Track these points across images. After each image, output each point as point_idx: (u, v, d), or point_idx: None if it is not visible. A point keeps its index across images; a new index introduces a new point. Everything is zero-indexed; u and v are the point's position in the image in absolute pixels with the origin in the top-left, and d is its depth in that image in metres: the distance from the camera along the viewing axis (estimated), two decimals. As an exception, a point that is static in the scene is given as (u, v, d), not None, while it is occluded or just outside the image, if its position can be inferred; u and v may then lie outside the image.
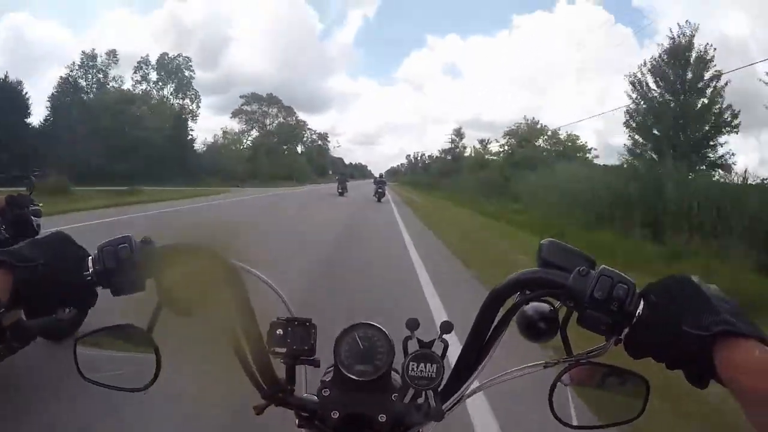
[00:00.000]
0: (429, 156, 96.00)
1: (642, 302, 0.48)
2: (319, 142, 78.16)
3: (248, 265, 0.58)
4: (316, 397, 0.58)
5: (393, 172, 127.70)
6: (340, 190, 23.23)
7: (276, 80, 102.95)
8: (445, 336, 0.56)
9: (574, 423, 0.54)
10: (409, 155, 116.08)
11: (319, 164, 78.12)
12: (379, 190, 20.79)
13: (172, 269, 0.55)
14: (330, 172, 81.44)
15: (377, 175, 24.63)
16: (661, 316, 0.46)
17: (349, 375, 0.57)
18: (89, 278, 0.53)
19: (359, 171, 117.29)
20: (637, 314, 0.48)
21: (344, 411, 0.56)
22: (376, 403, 0.57)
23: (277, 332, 0.58)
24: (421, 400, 0.56)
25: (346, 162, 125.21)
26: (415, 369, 0.56)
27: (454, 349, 0.57)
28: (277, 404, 0.58)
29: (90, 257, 0.54)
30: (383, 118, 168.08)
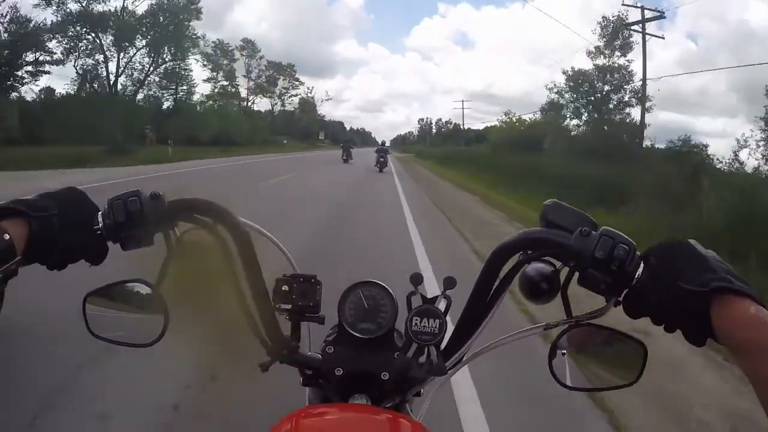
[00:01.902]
0: (446, 122, 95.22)
1: (642, 263, 0.52)
2: (307, 95, 70.49)
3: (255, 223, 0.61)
4: (320, 355, 0.64)
5: (400, 140, 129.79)
6: (344, 158, 24.74)
7: (283, 43, 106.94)
8: (447, 292, 0.61)
9: (572, 385, 0.58)
10: (421, 119, 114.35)
11: (301, 125, 69.89)
12: (381, 159, 21.00)
13: (181, 225, 0.59)
14: (321, 137, 77.20)
15: (380, 143, 26.32)
16: (660, 275, 0.51)
17: (352, 333, 0.63)
18: (99, 232, 0.57)
19: (364, 138, 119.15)
20: (636, 275, 0.52)
21: (347, 368, 0.61)
22: (379, 360, 0.62)
23: (283, 288, 0.63)
24: (423, 358, 0.62)
25: (353, 128, 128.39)
26: (418, 324, 0.60)
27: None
28: (281, 361, 0.63)
29: (100, 212, 0.58)
30: (391, 86, 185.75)
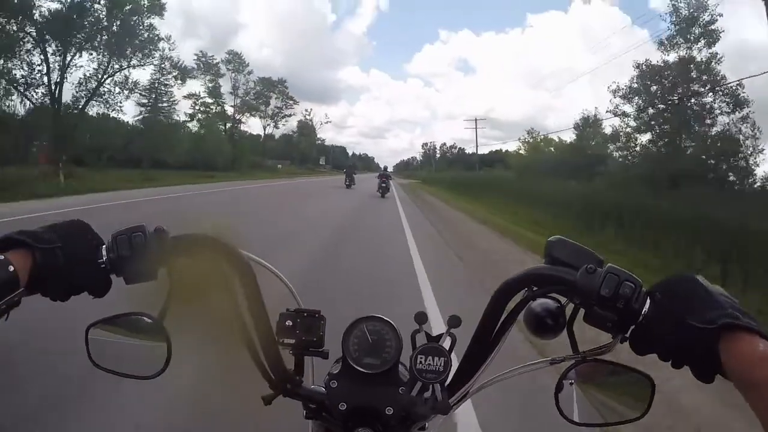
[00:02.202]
0: (450, 146, 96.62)
1: (648, 300, 0.54)
2: (305, 117, 70.75)
3: (259, 257, 0.64)
4: (323, 389, 0.66)
5: (403, 166, 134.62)
6: (347, 183, 25.74)
7: (286, 69, 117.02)
8: (453, 330, 0.64)
9: (579, 420, 0.60)
10: (425, 143, 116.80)
11: (300, 149, 70.52)
12: (383, 185, 21.81)
13: (184, 259, 0.62)
14: (322, 162, 78.89)
15: (382, 168, 27.92)
16: (667, 312, 0.53)
17: (357, 367, 0.65)
18: (103, 266, 0.60)
19: (366, 163, 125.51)
20: (643, 312, 0.54)
21: (351, 403, 0.64)
22: (383, 395, 0.64)
23: (286, 323, 0.67)
24: (427, 394, 0.64)
25: (355, 153, 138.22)
26: (423, 362, 0.63)
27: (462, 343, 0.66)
28: (285, 395, 0.67)
29: (104, 245, 0.61)
30: (393, 112, 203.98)
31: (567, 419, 0.60)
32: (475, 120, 42.11)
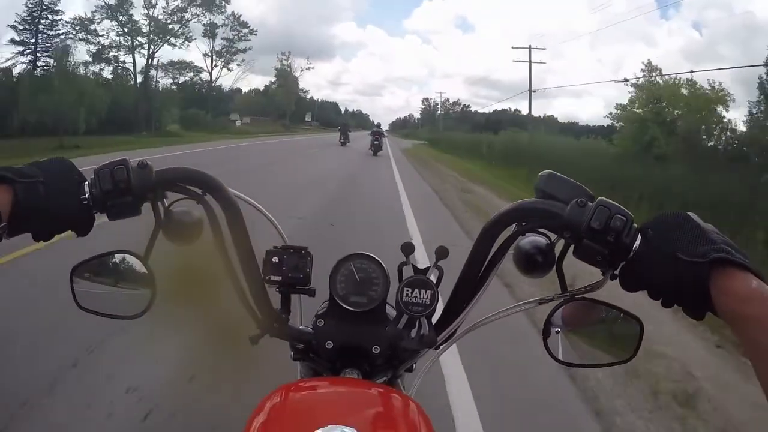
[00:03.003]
0: (454, 102, 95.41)
1: (639, 236, 0.60)
2: (282, 62, 65.29)
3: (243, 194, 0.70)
4: (311, 329, 0.75)
5: (400, 124, 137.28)
6: (342, 140, 28.30)
7: (280, 24, 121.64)
8: (440, 262, 0.71)
9: (566, 360, 0.68)
10: (426, 99, 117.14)
11: (276, 102, 65.34)
12: (375, 143, 23.18)
13: (169, 195, 0.69)
14: (308, 119, 77.79)
15: (375, 125, 29.15)
16: (658, 247, 0.58)
17: (344, 306, 0.73)
18: (86, 202, 0.64)
19: (360, 121, 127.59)
20: (634, 247, 0.59)
21: (338, 341, 0.72)
22: (370, 333, 0.72)
23: (273, 260, 0.74)
24: (415, 331, 0.71)
25: (348, 109, 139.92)
26: (410, 295, 0.70)
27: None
28: (272, 335, 0.75)
29: (87, 181, 0.66)
30: (389, 69, 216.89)
31: (554, 358, 0.68)
32: (529, 48, 28.85)
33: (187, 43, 40.04)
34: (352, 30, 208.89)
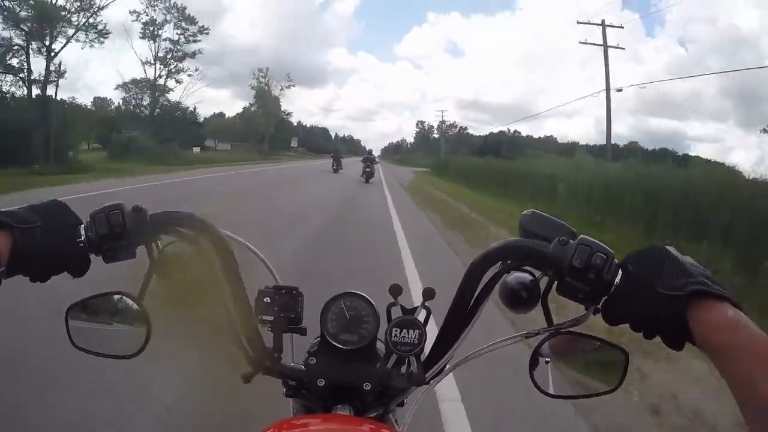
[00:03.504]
0: (450, 124, 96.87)
1: (620, 271, 0.67)
2: (258, 79, 63.53)
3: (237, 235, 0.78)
4: (303, 366, 0.83)
5: (392, 149, 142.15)
6: (334, 167, 30.51)
7: (273, 52, 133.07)
8: (427, 303, 0.79)
9: (553, 392, 0.75)
10: (420, 121, 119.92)
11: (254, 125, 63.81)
12: (367, 170, 24.29)
13: (163, 237, 0.77)
14: (294, 144, 78.52)
15: (367, 151, 29.55)
16: (638, 282, 0.66)
17: (334, 343, 0.81)
18: (82, 244, 0.72)
19: (351, 146, 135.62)
20: (615, 282, 0.67)
21: (330, 379, 0.80)
22: (361, 371, 0.80)
23: (265, 300, 0.82)
24: (405, 369, 0.80)
25: (338, 135, 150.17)
26: (398, 335, 0.79)
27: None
28: (264, 372, 0.82)
29: (83, 224, 0.74)
30: (381, 95, 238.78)
31: (542, 391, 0.76)
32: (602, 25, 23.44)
33: (100, 39, 31.09)
34: (344, 56, 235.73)
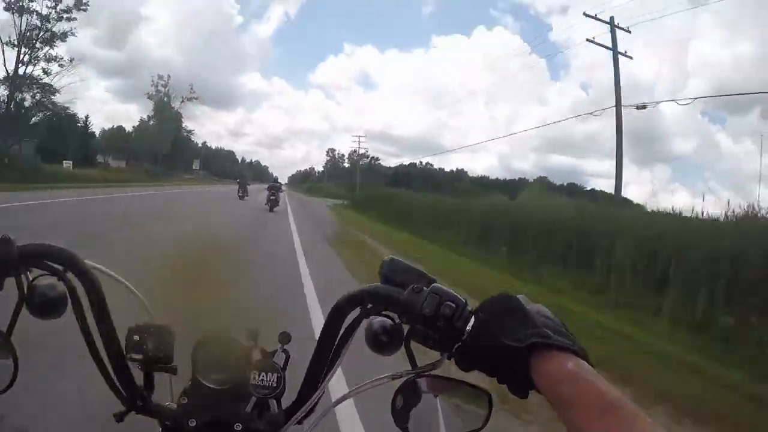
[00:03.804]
0: (361, 154, 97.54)
1: (472, 319, 0.73)
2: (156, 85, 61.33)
3: (104, 266, 0.84)
4: (175, 405, 0.87)
5: (300, 177, 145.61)
6: (240, 194, 31.13)
7: (186, 68, 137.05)
8: (285, 346, 0.85)
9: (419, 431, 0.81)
10: (331, 149, 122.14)
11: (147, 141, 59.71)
12: (272, 198, 24.76)
13: (32, 270, 0.79)
14: (196, 167, 76.87)
15: (273, 178, 30.15)
16: (486, 331, 0.71)
17: (205, 383, 0.85)
18: None
19: (258, 172, 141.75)
20: (467, 330, 0.73)
21: (201, 419, 0.84)
22: (231, 411, 0.85)
23: (134, 338, 0.85)
24: (267, 412, 0.85)
25: (245, 159, 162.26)
26: (256, 378, 0.84)
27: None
28: (137, 412, 0.86)
29: None
30: (292, 122, 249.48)
31: (403, 429, 0.79)
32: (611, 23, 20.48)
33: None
34: (257, 80, 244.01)
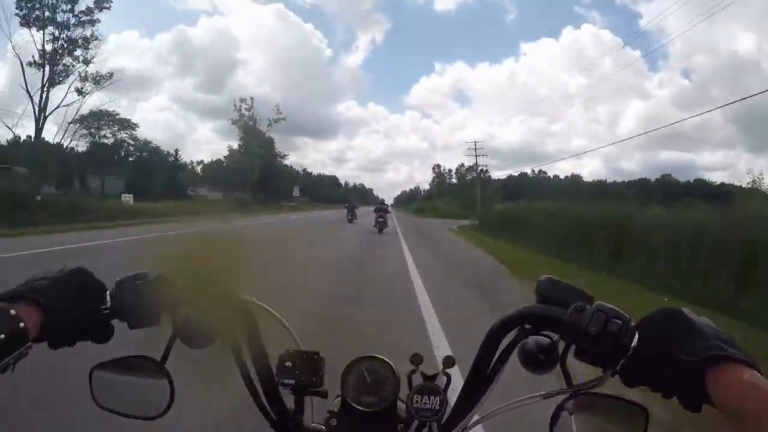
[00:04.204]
0: (469, 167, 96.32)
1: (637, 335, 0.77)
2: (240, 108, 61.36)
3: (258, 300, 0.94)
4: (323, 427, 0.95)
5: (406, 198, 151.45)
6: (349, 217, 34.37)
7: (284, 106, 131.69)
8: (448, 370, 0.92)
9: None
10: (437, 165, 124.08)
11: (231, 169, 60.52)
12: (380, 219, 26.41)
13: (186, 304, 0.89)
14: (296, 193, 78.55)
15: (379, 200, 31.73)
16: (654, 347, 0.75)
17: (355, 406, 0.93)
18: (106, 312, 0.85)
19: (362, 195, 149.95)
20: (632, 346, 0.76)
21: None
22: None
23: (286, 364, 0.95)
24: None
25: (348, 183, 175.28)
26: (419, 401, 0.91)
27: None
28: None
29: (108, 291, 0.87)
30: (391, 145, 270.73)
31: None
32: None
33: None
34: (354, 108, 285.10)
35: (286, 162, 78.89)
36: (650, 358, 0.75)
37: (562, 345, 0.87)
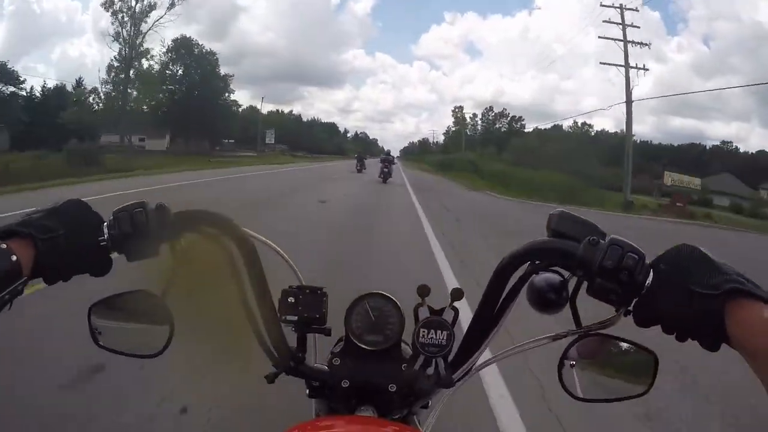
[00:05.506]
0: (498, 114, 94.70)
1: (651, 271, 0.75)
2: None
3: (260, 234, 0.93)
4: (326, 367, 0.95)
5: (417, 148, 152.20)
6: (358, 168, 36.67)
7: (289, 51, 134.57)
8: (455, 303, 0.90)
9: (583, 396, 0.85)
10: (457, 107, 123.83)
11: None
12: (385, 170, 27.51)
13: (187, 236, 0.88)
14: (269, 140, 73.88)
15: (385, 152, 33.18)
16: (670, 281, 0.73)
17: (359, 344, 0.93)
18: (104, 243, 0.83)
19: (367, 147, 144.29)
20: (647, 283, 0.74)
21: (354, 380, 0.92)
22: (386, 372, 0.92)
23: (289, 300, 0.94)
24: (431, 370, 0.91)
25: (347, 132, 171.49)
26: (425, 336, 0.90)
27: (465, 314, 0.88)
28: (288, 373, 0.95)
29: (105, 223, 0.84)
30: (399, 96, 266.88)
31: (570, 394, 0.85)
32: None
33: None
34: (361, 57, 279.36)
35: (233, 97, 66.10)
36: (665, 293, 0.73)
37: (572, 285, 0.85)
